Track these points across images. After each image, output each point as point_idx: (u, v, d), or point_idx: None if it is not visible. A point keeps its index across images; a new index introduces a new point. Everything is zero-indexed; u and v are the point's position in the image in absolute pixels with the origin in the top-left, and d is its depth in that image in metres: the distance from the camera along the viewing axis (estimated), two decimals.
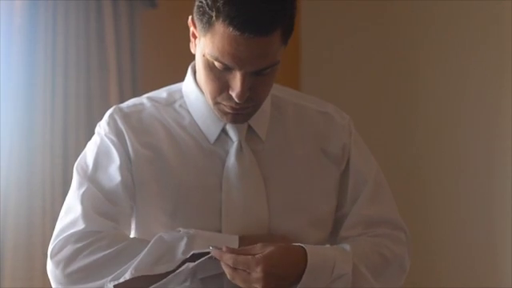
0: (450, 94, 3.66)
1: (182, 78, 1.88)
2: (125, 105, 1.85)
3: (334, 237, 1.84)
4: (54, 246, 1.73)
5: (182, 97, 1.84)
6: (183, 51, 3.63)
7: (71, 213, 1.75)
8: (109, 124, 1.80)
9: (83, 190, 1.76)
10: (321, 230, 1.82)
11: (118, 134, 1.79)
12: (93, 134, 3.50)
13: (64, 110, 3.33)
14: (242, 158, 1.78)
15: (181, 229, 1.72)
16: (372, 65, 3.94)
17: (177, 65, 3.58)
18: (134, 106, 1.84)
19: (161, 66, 3.58)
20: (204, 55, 1.67)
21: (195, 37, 1.72)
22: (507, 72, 3.46)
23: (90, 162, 1.79)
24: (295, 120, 1.86)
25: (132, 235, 1.81)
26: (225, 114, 1.73)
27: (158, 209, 1.76)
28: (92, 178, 1.77)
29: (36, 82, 3.28)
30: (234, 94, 1.66)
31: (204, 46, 1.66)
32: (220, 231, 1.74)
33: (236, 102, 1.67)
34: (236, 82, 1.65)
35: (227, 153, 1.78)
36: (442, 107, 3.71)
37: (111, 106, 3.28)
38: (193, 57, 1.73)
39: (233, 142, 1.79)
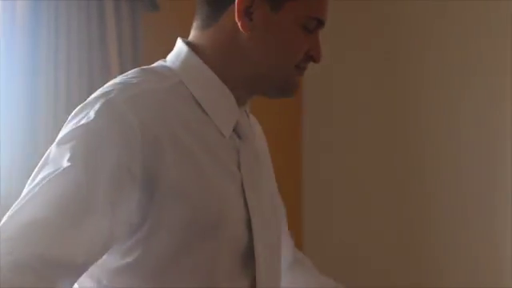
0: (452, 96, 3.75)
1: None
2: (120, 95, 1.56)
3: None
4: None
5: (180, 81, 1.58)
6: None
7: None
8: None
9: None
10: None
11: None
12: None
13: (66, 113, 3.29)
14: (253, 157, 1.63)
15: None
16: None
17: None
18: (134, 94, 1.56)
19: None
20: (296, 20, 1.58)
21: (250, 13, 1.57)
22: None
23: None
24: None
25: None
26: (296, 81, 1.63)
27: (172, 218, 1.50)
28: None
29: (38, 84, 3.21)
30: (316, 53, 1.61)
31: (299, 9, 1.57)
32: (251, 241, 1.56)
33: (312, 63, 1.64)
34: (317, 40, 1.62)
35: (237, 150, 1.59)
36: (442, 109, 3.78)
37: None
38: None
39: (241, 138, 1.61)
